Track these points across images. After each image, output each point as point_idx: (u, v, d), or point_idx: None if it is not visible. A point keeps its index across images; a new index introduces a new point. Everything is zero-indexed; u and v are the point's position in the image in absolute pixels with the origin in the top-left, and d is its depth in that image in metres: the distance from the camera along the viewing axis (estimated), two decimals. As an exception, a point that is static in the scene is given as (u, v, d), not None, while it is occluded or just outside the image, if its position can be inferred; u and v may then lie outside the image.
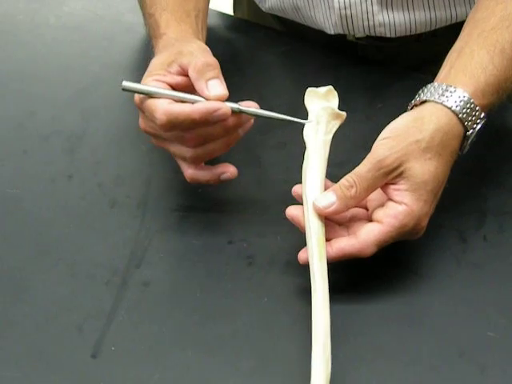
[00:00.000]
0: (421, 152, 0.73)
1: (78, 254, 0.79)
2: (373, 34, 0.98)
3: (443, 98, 0.75)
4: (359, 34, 0.98)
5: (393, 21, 0.96)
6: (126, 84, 0.77)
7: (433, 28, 0.98)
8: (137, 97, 0.77)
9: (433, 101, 0.75)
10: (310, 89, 0.79)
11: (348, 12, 0.95)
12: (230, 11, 1.24)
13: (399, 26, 0.97)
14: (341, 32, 0.98)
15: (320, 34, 1.01)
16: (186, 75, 0.77)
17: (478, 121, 0.76)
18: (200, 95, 0.76)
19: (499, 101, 0.79)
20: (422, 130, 0.73)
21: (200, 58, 0.77)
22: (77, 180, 0.87)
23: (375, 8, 0.95)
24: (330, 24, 0.98)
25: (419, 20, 0.97)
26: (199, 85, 0.76)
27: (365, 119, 0.91)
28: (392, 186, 0.73)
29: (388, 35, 0.98)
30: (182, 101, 0.76)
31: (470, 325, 0.72)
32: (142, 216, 0.82)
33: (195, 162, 0.78)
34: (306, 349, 0.69)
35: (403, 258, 0.78)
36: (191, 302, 0.75)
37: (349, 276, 0.76)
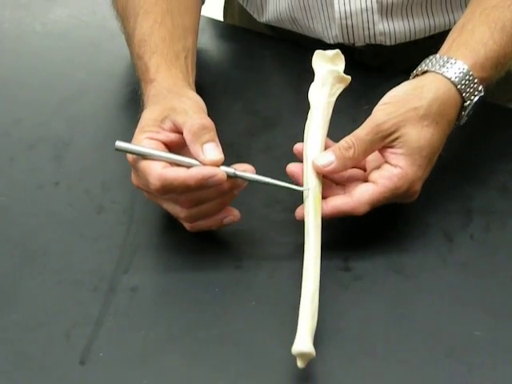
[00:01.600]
0: (418, 119, 0.76)
1: (65, 260, 0.79)
2: (373, 42, 0.98)
3: (443, 69, 0.78)
4: (359, 43, 0.99)
5: (393, 29, 0.97)
6: (120, 144, 0.75)
7: (431, 33, 0.99)
8: (130, 156, 0.75)
9: (433, 71, 0.79)
10: (318, 51, 0.83)
11: (349, 22, 0.96)
12: (220, 18, 1.23)
13: (399, 33, 0.98)
14: (341, 42, 0.98)
15: (316, 41, 1.01)
16: (180, 132, 0.76)
17: (476, 93, 0.79)
18: (195, 158, 0.74)
19: (497, 75, 0.82)
20: (421, 97, 0.77)
21: (195, 119, 0.75)
22: (63, 187, 0.87)
23: (376, 17, 0.95)
24: (329, 34, 0.98)
25: (418, 27, 0.98)
26: (195, 148, 0.74)
27: (351, 121, 0.91)
28: (389, 150, 0.76)
29: (388, 43, 0.99)
30: (177, 163, 0.74)
31: (457, 324, 0.73)
32: (128, 222, 0.82)
33: (189, 221, 0.77)
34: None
35: (389, 258, 0.78)
36: (179, 307, 0.75)
37: (337, 277, 0.76)
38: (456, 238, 0.80)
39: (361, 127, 0.76)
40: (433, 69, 0.79)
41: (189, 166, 0.74)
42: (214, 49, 1.07)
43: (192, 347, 0.72)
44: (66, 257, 0.80)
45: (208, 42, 1.06)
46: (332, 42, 0.99)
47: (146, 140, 0.75)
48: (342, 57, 0.83)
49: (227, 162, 0.85)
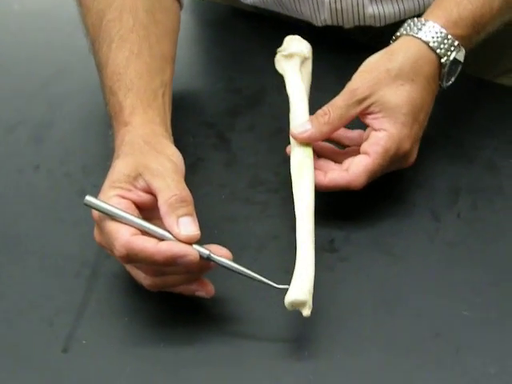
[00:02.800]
0: (392, 79, 0.78)
1: (47, 246, 0.78)
2: (362, 24, 0.98)
3: (414, 30, 0.80)
4: (348, 25, 0.98)
5: (382, 12, 0.97)
6: (89, 200, 0.69)
7: (421, 12, 0.98)
8: (96, 213, 0.70)
9: (405, 34, 0.81)
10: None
11: (338, 6, 0.95)
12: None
13: (389, 16, 0.97)
14: (329, 24, 0.97)
15: (303, 23, 1.00)
16: (153, 194, 0.71)
17: (452, 48, 0.80)
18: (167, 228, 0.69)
19: (477, 36, 0.83)
20: (392, 59, 0.79)
21: (173, 189, 0.69)
22: (44, 170, 0.86)
23: (366, 0, 0.94)
24: (318, 17, 0.97)
25: (408, 8, 0.97)
26: (169, 221, 0.69)
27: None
28: (369, 116, 0.78)
29: (377, 25, 0.98)
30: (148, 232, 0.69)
31: (445, 304, 0.72)
32: (110, 205, 0.81)
33: (152, 288, 0.71)
34: (282, 331, 0.70)
35: (376, 238, 0.77)
36: (162, 292, 0.73)
37: (322, 259, 0.75)
38: (443, 217, 0.79)
39: (338, 95, 0.79)
40: (404, 32, 0.81)
41: (160, 238, 0.69)
42: (196, 26, 1.05)
43: (176, 333, 0.71)
44: (47, 242, 0.79)
45: (189, 19, 1.04)
46: (320, 24, 0.98)
47: (115, 198, 0.70)
48: (295, 37, 0.84)
49: (208, 142, 0.84)
